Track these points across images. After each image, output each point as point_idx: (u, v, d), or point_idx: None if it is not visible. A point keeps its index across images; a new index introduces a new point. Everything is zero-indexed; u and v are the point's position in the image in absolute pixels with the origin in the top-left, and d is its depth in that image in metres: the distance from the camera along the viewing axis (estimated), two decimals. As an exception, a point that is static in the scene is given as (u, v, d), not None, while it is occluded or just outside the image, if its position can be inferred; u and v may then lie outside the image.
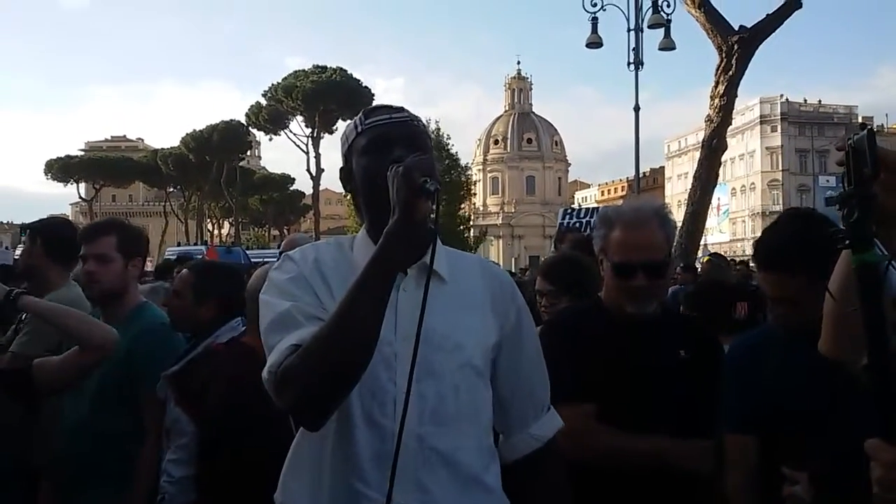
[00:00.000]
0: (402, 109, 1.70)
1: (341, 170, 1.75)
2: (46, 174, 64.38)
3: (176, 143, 60.44)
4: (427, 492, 1.54)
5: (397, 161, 1.48)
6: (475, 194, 59.12)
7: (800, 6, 12.13)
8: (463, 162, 49.22)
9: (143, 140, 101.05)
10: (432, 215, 1.46)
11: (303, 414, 1.50)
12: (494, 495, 1.66)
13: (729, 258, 10.97)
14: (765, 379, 2.07)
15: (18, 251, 6.04)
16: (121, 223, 3.20)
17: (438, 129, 47.98)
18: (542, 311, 3.21)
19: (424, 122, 1.77)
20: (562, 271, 3.17)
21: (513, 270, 20.70)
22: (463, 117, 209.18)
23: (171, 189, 67.07)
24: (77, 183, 66.88)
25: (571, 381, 2.04)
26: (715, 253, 9.23)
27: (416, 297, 1.47)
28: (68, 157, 66.52)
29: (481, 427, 1.67)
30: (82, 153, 75.09)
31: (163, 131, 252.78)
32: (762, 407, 2.06)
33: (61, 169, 64.07)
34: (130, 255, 3.04)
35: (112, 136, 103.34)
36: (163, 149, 64.17)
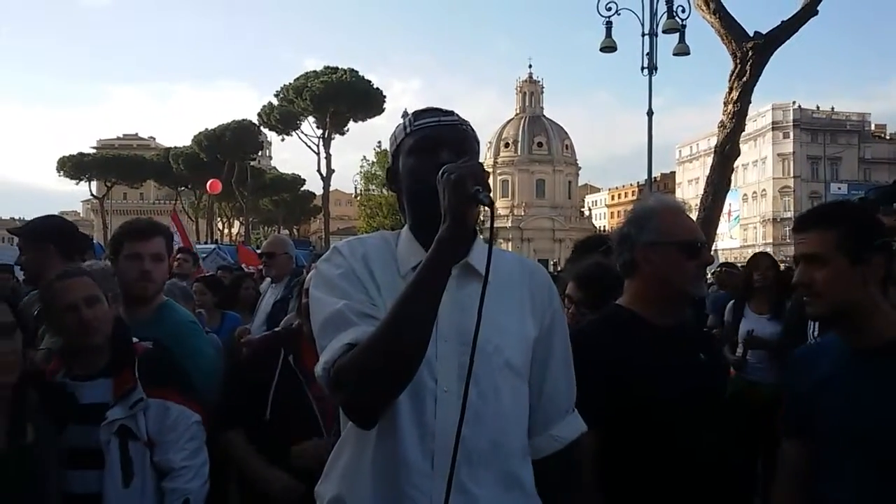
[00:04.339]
0: (451, 113, 1.72)
1: (388, 170, 1.79)
2: (59, 171, 64.64)
3: (188, 142, 60.62)
4: (467, 492, 1.56)
5: (444, 164, 1.49)
6: None
7: (816, 13, 12.05)
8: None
9: (154, 139, 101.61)
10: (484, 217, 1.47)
11: (356, 412, 1.53)
12: (531, 495, 1.69)
13: (740, 264, 10.99)
14: (808, 388, 2.08)
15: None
16: (164, 225, 3.24)
17: None
18: (569, 318, 3.18)
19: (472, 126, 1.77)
20: (598, 282, 3.12)
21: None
22: (477, 120, 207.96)
23: (182, 188, 67.24)
24: (89, 181, 67.14)
25: (589, 411, 1.98)
26: (727, 262, 9.43)
27: (457, 298, 1.51)
28: (81, 154, 66.79)
29: (520, 428, 1.69)
30: (94, 151, 75.43)
31: (176, 130, 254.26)
32: (805, 415, 2.08)
33: (74, 166, 64.33)
34: (170, 255, 3.12)
35: (124, 135, 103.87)
36: (175, 147, 64.31)
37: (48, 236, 3.34)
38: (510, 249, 74.20)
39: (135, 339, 2.58)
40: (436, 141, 1.65)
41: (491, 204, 1.42)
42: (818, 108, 70.88)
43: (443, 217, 1.44)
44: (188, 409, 2.52)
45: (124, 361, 2.47)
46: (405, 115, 1.79)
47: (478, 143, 1.74)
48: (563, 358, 1.80)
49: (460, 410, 1.44)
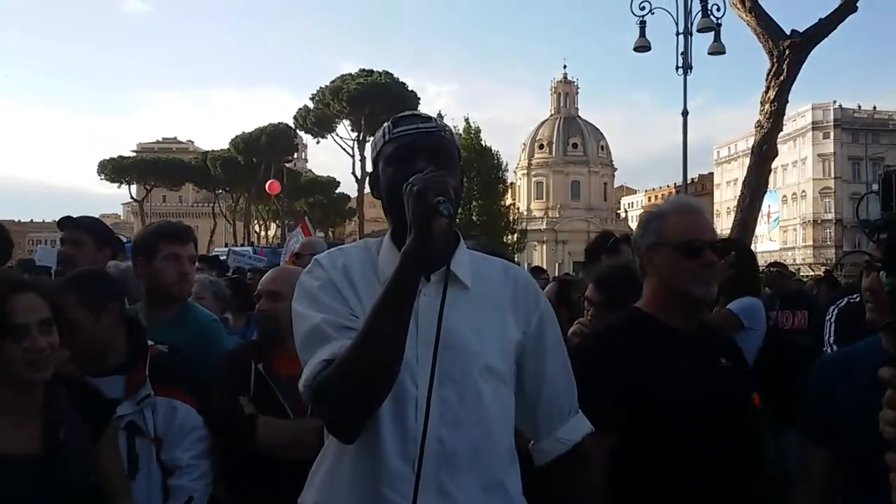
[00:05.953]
0: (429, 119, 1.71)
1: (370, 175, 1.79)
2: (100, 174, 65.88)
3: (225, 145, 61.42)
4: (448, 495, 1.55)
5: (420, 173, 1.50)
6: (513, 203, 59.09)
7: (854, 10, 11.85)
8: (510, 167, 49.42)
9: (193, 142, 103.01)
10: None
11: (336, 428, 1.55)
12: (515, 500, 1.67)
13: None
14: (843, 394, 2.02)
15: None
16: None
17: (479, 130, 48.51)
18: (587, 321, 3.17)
19: (453, 130, 1.77)
20: (617, 284, 3.08)
21: (556, 276, 20.51)
22: (514, 122, 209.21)
23: (220, 191, 68.08)
24: (129, 184, 68.28)
25: (603, 412, 1.96)
26: (777, 262, 9.15)
27: (437, 303, 1.50)
28: (121, 157, 68.00)
29: (504, 431, 1.67)
30: (134, 154, 76.77)
31: (214, 134, 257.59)
32: (837, 422, 2.03)
33: (114, 170, 65.49)
34: None
35: (163, 138, 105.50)
36: (212, 151, 65.14)
37: (109, 241, 3.54)
38: (545, 252, 73.43)
39: (150, 343, 2.61)
40: (412, 149, 1.63)
41: (450, 215, 1.43)
42: (859, 107, 69.51)
43: (408, 229, 1.44)
44: (196, 411, 2.55)
45: (138, 359, 2.51)
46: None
47: (458, 149, 1.73)
48: (559, 359, 1.78)
49: (425, 408, 1.47)
